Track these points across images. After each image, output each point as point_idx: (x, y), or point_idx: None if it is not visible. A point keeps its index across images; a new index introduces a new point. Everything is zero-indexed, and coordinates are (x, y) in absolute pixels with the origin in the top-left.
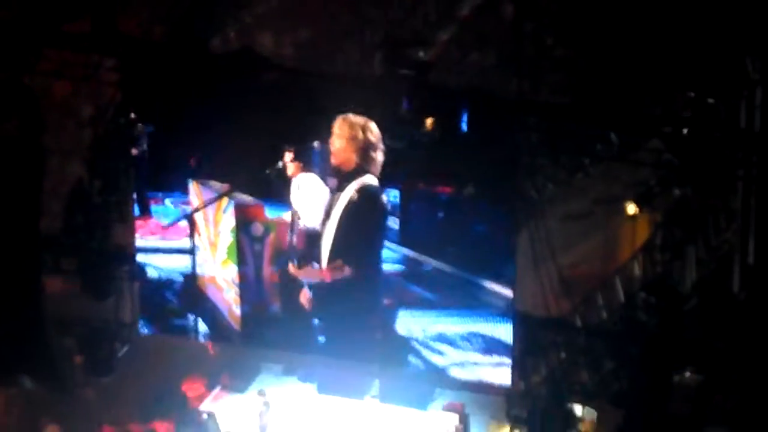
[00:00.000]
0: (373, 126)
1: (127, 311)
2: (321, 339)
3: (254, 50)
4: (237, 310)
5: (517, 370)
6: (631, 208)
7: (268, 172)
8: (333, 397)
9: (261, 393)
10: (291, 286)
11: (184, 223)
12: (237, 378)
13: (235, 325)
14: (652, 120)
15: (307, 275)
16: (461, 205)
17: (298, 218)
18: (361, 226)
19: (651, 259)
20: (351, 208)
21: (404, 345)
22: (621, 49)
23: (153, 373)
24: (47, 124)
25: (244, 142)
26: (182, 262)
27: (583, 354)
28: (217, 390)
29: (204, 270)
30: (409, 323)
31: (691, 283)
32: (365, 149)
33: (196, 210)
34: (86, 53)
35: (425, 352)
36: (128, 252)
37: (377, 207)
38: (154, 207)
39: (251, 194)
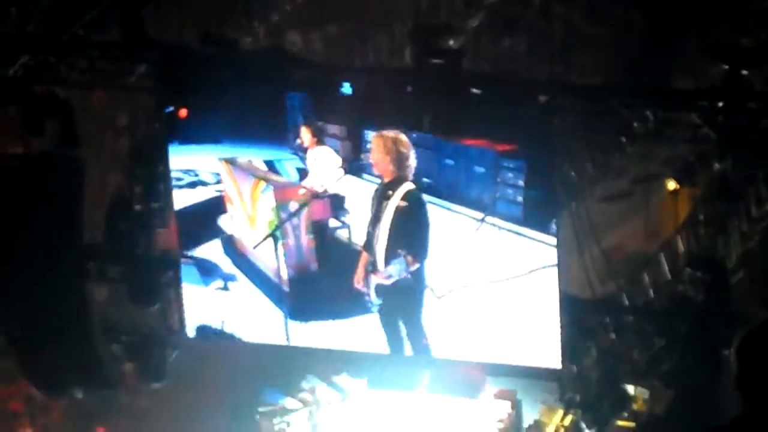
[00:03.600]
0: (403, 137)
1: (175, 317)
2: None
3: (284, 48)
4: (283, 273)
5: (567, 353)
6: (671, 185)
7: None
8: (384, 391)
9: (311, 390)
10: (325, 248)
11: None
12: (286, 377)
13: (284, 285)
14: (687, 95)
15: (390, 277)
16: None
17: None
18: (416, 225)
19: (694, 234)
20: (402, 213)
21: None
22: (650, 25)
23: (204, 377)
24: (84, 135)
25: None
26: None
27: (632, 334)
28: None
29: (242, 235)
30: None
31: (736, 256)
32: (400, 159)
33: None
34: (118, 61)
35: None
36: (172, 257)
37: (424, 207)
38: None
39: None
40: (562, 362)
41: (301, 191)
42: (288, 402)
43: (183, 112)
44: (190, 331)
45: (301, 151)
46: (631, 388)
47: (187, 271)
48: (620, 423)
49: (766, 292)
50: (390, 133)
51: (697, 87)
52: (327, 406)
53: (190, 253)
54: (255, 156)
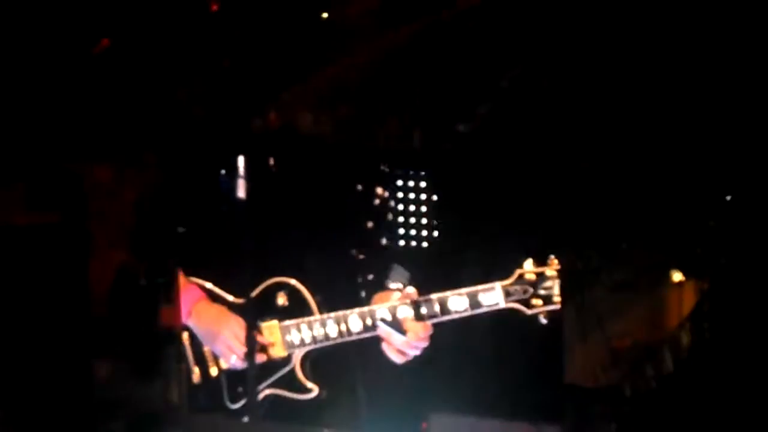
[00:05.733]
0: None
1: (176, 393)
2: None
3: (294, 129)
4: None
5: None
6: (677, 277)
7: None
8: None
9: None
10: None
11: None
12: None
13: None
14: (696, 187)
15: None
16: None
17: None
18: None
19: (699, 326)
20: None
21: None
22: (659, 119)
23: None
24: (90, 209)
25: None
26: None
27: (634, 425)
28: None
29: None
30: None
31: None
32: None
33: None
34: (127, 138)
35: None
36: (175, 333)
37: None
38: None
39: None
40: None
41: None
42: None
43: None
44: None
45: None
46: None
47: None
48: None
49: None
50: None
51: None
52: None
53: None
54: None
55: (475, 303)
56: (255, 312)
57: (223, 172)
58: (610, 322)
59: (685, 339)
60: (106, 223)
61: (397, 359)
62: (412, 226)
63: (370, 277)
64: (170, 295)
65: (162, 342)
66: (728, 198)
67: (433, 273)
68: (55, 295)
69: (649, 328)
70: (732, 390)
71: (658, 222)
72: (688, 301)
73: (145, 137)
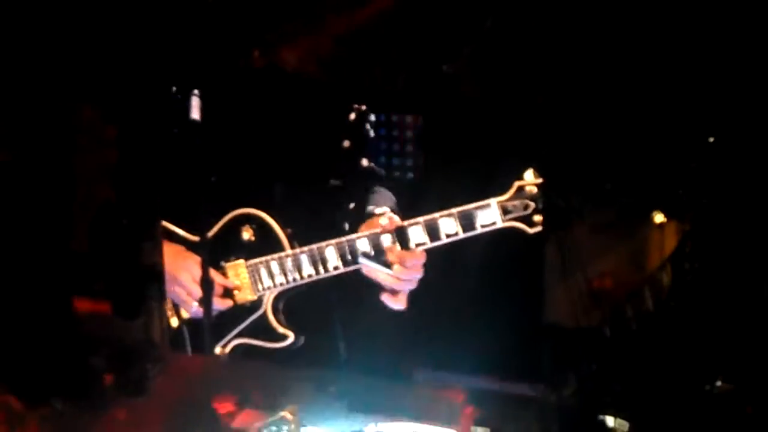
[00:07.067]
0: None
1: (157, 331)
2: None
3: (279, 68)
4: None
5: (548, 382)
6: (659, 218)
7: None
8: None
9: (291, 410)
10: None
11: None
12: (268, 395)
13: None
14: (678, 129)
15: None
16: None
17: None
18: None
19: (680, 268)
20: None
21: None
22: (644, 61)
23: (185, 392)
24: (73, 147)
25: None
26: None
27: (613, 365)
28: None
29: None
30: None
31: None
32: None
33: None
34: (113, 76)
35: None
36: (157, 271)
37: None
38: None
39: None
40: (543, 391)
41: None
42: (267, 421)
43: None
44: None
45: None
46: (610, 420)
47: None
48: None
49: (750, 329)
50: None
51: (689, 120)
52: (306, 428)
53: None
54: None
55: (468, 224)
56: (215, 250)
57: (174, 89)
58: (591, 263)
59: (665, 280)
60: (90, 159)
61: (391, 303)
62: (396, 155)
63: (351, 206)
64: (152, 232)
65: (143, 279)
66: (710, 139)
67: (420, 197)
68: (37, 231)
69: (630, 269)
70: (712, 330)
71: (641, 163)
72: (670, 242)
73: (129, 77)
